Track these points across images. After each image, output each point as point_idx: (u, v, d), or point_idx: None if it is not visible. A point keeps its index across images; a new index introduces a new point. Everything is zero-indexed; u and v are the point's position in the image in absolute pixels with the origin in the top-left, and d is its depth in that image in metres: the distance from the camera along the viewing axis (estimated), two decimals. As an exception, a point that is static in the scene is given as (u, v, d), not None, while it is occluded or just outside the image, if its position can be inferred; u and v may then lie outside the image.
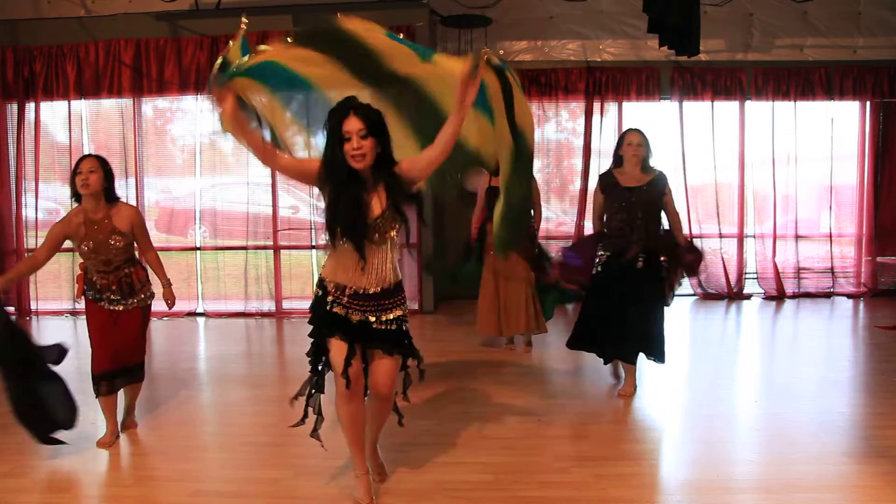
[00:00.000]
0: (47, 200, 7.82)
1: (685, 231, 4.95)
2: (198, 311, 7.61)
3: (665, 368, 4.60)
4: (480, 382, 4.86)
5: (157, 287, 3.94)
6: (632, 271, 4.34)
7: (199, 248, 7.78)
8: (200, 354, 6.02)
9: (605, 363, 4.68)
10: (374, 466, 3.25)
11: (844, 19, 7.77)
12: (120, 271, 3.74)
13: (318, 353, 2.99)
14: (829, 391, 4.63)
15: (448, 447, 3.67)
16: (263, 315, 7.49)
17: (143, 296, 3.83)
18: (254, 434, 3.98)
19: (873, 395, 4.54)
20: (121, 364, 3.77)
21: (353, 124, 2.69)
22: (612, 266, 4.40)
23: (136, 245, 3.86)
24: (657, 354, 4.37)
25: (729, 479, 3.33)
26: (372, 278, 2.87)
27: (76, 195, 3.68)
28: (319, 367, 3.02)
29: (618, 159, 4.46)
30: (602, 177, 4.55)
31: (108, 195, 3.71)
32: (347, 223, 2.76)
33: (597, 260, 4.49)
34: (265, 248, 7.58)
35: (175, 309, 4.11)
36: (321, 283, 2.95)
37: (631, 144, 4.39)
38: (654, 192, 4.37)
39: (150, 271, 3.95)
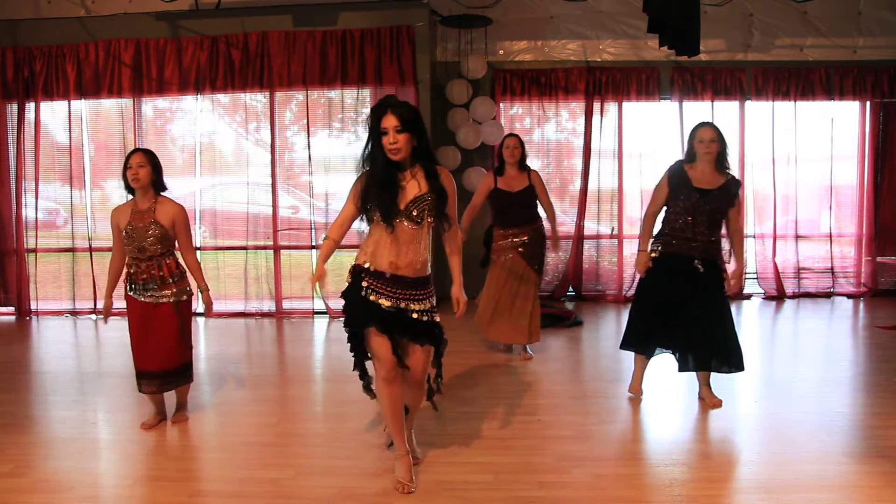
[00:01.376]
0: (47, 200, 7.82)
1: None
2: (198, 311, 7.60)
3: (664, 369, 4.60)
4: (480, 382, 4.86)
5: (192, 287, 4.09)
6: (694, 274, 4.10)
7: (199, 248, 7.77)
8: (200, 354, 6.01)
9: (681, 370, 4.30)
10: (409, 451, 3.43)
11: (844, 19, 7.77)
12: (153, 261, 3.85)
13: (357, 343, 3.13)
14: (829, 391, 4.63)
15: (448, 447, 3.67)
16: (263, 315, 7.48)
17: (175, 289, 3.91)
18: (254, 434, 3.98)
19: (873, 395, 4.53)
20: (158, 367, 3.89)
21: (389, 121, 2.96)
22: (668, 264, 4.16)
23: (176, 244, 3.99)
24: (737, 364, 4.17)
25: (729, 479, 3.33)
26: (407, 258, 3.04)
27: (129, 188, 3.87)
28: (358, 355, 3.17)
29: (691, 155, 4.11)
30: (672, 170, 4.17)
31: (157, 186, 3.90)
32: (376, 191, 3.00)
33: (653, 255, 4.22)
34: (265, 248, 7.57)
35: None
36: (355, 270, 3.10)
37: (703, 142, 4.02)
38: (723, 200, 4.07)
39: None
